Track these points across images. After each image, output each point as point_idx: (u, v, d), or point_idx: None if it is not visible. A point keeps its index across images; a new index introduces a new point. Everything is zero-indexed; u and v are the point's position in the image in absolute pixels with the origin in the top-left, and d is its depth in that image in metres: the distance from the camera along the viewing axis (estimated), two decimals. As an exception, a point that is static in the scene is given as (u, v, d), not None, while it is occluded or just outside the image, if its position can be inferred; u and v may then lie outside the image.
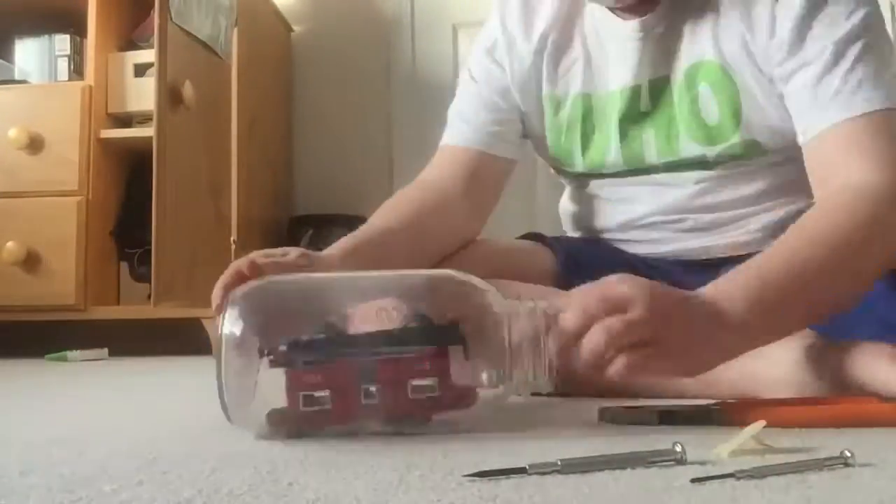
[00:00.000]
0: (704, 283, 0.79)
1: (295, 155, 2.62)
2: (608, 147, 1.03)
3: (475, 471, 0.47)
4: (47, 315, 2.04)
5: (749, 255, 0.89)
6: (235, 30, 2.04)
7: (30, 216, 2.04)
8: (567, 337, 0.63)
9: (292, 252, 0.77)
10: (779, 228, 0.97)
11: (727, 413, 0.67)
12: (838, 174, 0.84)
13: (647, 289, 0.66)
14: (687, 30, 0.97)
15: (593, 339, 0.63)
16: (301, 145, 2.63)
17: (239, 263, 0.71)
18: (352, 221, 2.36)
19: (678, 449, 0.50)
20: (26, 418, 0.88)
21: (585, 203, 1.14)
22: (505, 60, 1.07)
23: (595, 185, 1.11)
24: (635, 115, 1.01)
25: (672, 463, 0.50)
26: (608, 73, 1.02)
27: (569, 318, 0.64)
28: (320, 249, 0.87)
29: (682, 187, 1.03)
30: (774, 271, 0.74)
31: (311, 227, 2.30)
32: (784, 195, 1.01)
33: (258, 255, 0.73)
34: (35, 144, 2.05)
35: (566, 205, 1.20)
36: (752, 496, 0.43)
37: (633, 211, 1.07)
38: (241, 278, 0.69)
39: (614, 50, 1.01)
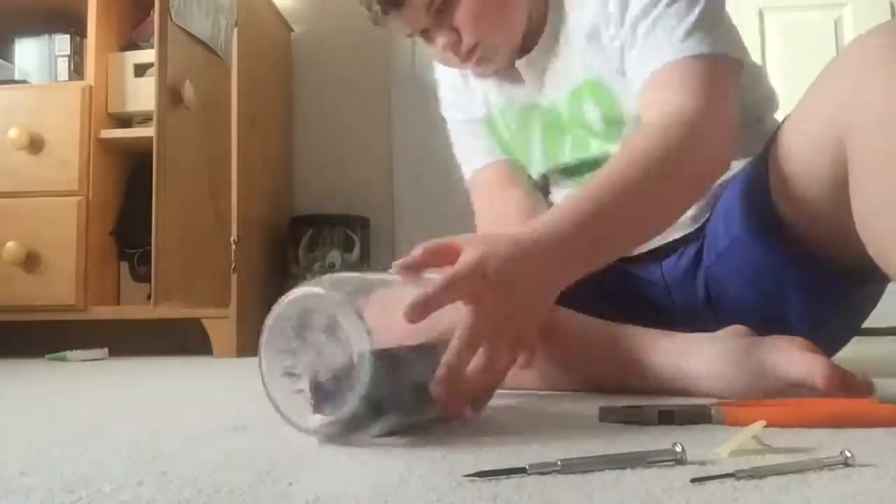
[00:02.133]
0: (650, 274, 1.00)
1: (295, 155, 2.62)
2: (532, 147, 1.13)
3: (475, 471, 0.47)
4: (47, 315, 2.04)
5: (683, 239, 1.00)
6: (235, 30, 2.04)
7: (30, 216, 2.04)
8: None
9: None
10: (711, 204, 1.01)
11: (726, 413, 0.67)
12: (659, 103, 0.88)
13: (451, 275, 0.64)
14: (562, 58, 1.04)
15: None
16: (301, 145, 2.63)
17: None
18: (352, 221, 2.37)
19: (678, 449, 0.50)
20: (26, 418, 0.88)
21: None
22: (457, 103, 1.21)
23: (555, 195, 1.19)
24: (546, 125, 1.10)
25: (672, 463, 0.50)
26: (515, 92, 1.12)
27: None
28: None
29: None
30: (593, 188, 0.78)
31: (311, 227, 2.30)
32: None
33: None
34: (35, 144, 2.05)
35: None
36: (752, 496, 0.43)
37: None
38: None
39: (515, 75, 1.10)
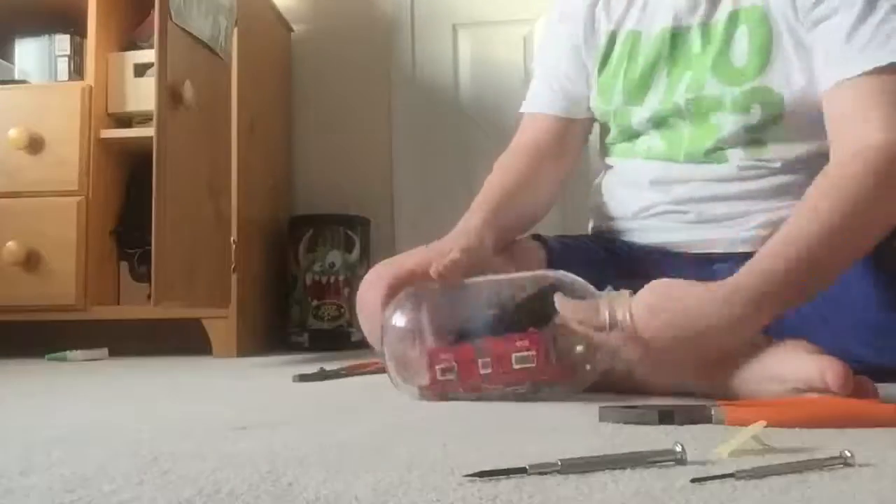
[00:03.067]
0: (699, 274, 0.94)
1: (295, 155, 2.62)
2: (647, 84, 1.10)
3: (475, 471, 0.47)
4: (47, 315, 2.04)
5: (746, 255, 0.93)
6: (235, 30, 2.04)
7: (30, 216, 2.03)
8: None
9: (452, 252, 0.90)
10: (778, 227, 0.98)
11: (727, 413, 0.67)
12: (851, 131, 0.89)
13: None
14: None
15: None
16: (301, 145, 2.62)
17: (409, 265, 0.92)
18: (352, 221, 2.37)
19: (678, 449, 0.50)
20: (26, 418, 0.88)
21: (608, 191, 1.21)
22: (573, 7, 1.18)
23: (620, 167, 1.17)
24: (677, 55, 1.08)
25: (672, 463, 0.50)
26: (658, 15, 1.09)
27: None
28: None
29: (695, 181, 1.08)
30: (780, 245, 0.82)
31: (311, 227, 2.30)
32: (788, 197, 1.03)
33: (430, 256, 0.91)
34: (35, 144, 2.05)
35: (594, 198, 1.26)
36: (752, 496, 0.43)
37: (647, 199, 1.12)
38: (410, 277, 0.90)
39: None
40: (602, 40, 1.15)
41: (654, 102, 1.10)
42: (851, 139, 0.89)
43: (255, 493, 0.45)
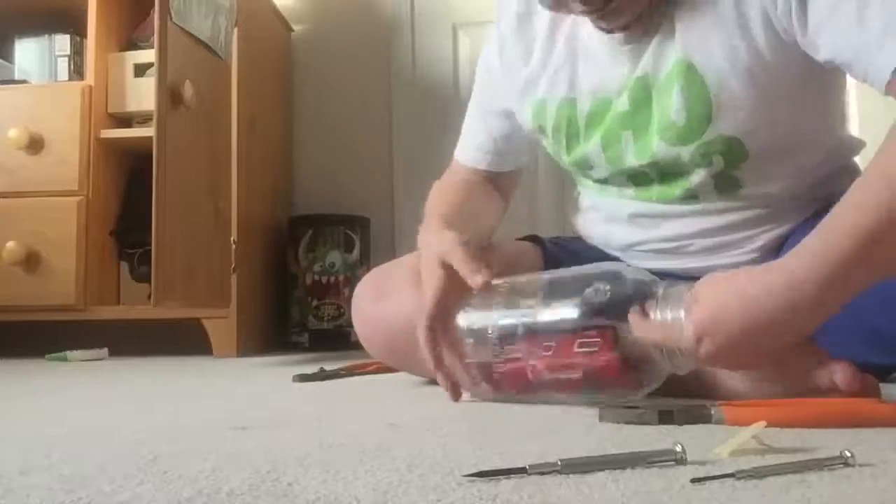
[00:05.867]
0: None
1: (295, 155, 2.62)
2: (591, 149, 1.03)
3: (475, 471, 0.47)
4: (47, 315, 2.04)
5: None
6: (235, 30, 2.04)
7: (30, 216, 2.04)
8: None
9: (461, 266, 0.90)
10: (780, 245, 0.99)
11: (726, 413, 0.67)
12: None
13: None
14: (666, 36, 0.94)
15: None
16: (301, 145, 2.62)
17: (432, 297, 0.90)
18: (352, 221, 2.37)
19: (678, 449, 0.50)
20: (26, 418, 0.88)
21: (590, 222, 1.16)
22: (501, 64, 1.10)
23: (597, 202, 1.12)
24: (617, 117, 1.00)
25: (672, 463, 0.50)
26: (592, 79, 1.01)
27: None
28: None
29: (679, 217, 1.04)
30: (838, 239, 0.71)
31: (311, 227, 2.30)
32: (787, 213, 1.01)
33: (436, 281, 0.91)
34: (35, 144, 2.05)
35: (574, 214, 1.21)
36: (752, 496, 0.43)
37: (634, 234, 1.08)
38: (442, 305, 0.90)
39: (600, 56, 1.00)
40: (530, 110, 1.08)
41: (603, 171, 1.05)
42: None
43: (255, 493, 0.45)
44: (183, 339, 2.04)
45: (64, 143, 2.05)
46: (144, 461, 0.55)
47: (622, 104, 0.99)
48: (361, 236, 2.33)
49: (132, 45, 2.26)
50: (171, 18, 1.66)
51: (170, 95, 1.65)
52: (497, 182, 1.19)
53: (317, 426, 0.74)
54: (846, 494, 0.43)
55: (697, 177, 0.99)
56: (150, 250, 1.59)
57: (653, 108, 0.97)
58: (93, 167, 2.08)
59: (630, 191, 1.06)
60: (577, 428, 0.68)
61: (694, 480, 0.45)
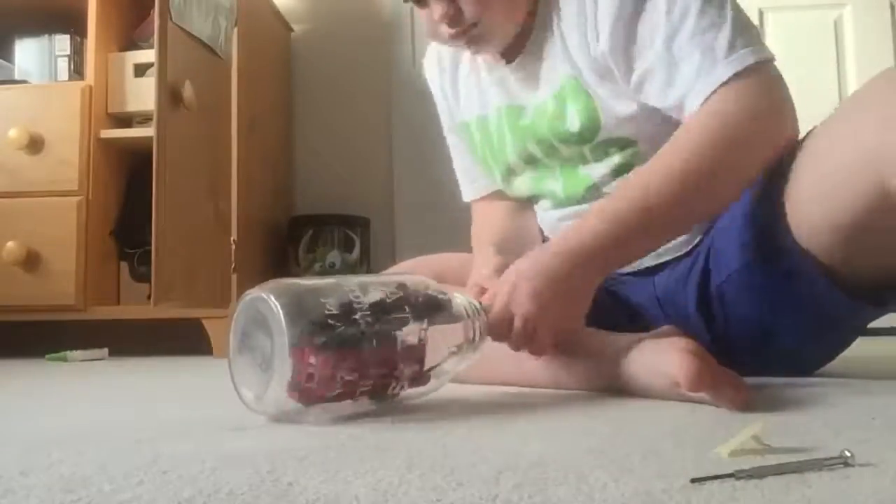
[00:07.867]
0: (642, 289, 1.05)
1: (295, 155, 2.62)
2: (507, 158, 1.12)
3: (475, 470, 0.47)
4: (47, 315, 2.04)
5: (675, 260, 1.02)
6: (235, 30, 2.04)
7: (30, 216, 2.04)
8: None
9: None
10: (704, 228, 1.01)
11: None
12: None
13: (502, 286, 0.87)
14: (554, 56, 1.02)
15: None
16: (301, 145, 2.63)
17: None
18: (352, 221, 2.37)
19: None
20: (26, 418, 0.88)
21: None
22: (445, 105, 1.25)
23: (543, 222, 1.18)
24: (519, 129, 1.08)
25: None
26: (489, 96, 1.12)
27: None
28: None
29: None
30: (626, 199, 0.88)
31: (311, 227, 2.30)
32: None
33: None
34: (35, 144, 2.05)
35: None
36: (752, 496, 0.43)
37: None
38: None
39: (497, 77, 1.10)
40: (462, 133, 1.20)
41: (518, 165, 1.11)
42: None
43: (255, 493, 0.45)
44: (183, 339, 2.04)
45: (64, 143, 2.05)
46: (144, 461, 0.54)
47: (525, 120, 1.07)
48: (361, 236, 2.33)
49: (132, 45, 2.26)
50: (171, 18, 1.66)
51: (170, 95, 1.65)
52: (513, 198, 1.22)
53: (317, 426, 0.73)
54: (846, 494, 0.43)
55: (598, 172, 1.04)
56: (150, 250, 1.60)
57: (551, 121, 1.04)
58: (93, 167, 2.08)
59: (546, 202, 1.13)
60: (577, 428, 0.68)
61: (694, 480, 0.45)
